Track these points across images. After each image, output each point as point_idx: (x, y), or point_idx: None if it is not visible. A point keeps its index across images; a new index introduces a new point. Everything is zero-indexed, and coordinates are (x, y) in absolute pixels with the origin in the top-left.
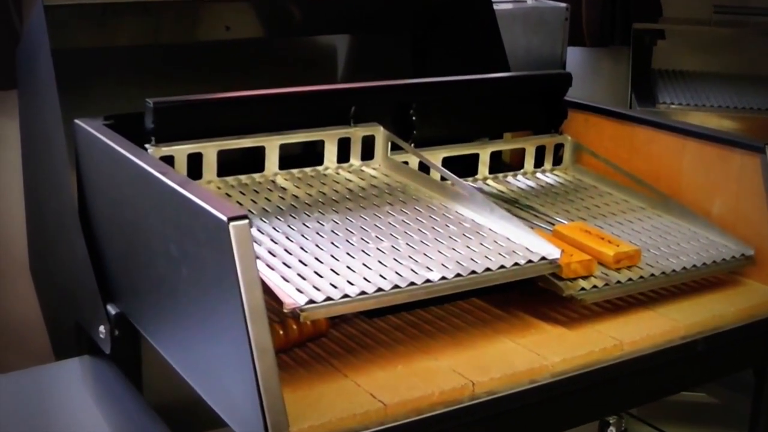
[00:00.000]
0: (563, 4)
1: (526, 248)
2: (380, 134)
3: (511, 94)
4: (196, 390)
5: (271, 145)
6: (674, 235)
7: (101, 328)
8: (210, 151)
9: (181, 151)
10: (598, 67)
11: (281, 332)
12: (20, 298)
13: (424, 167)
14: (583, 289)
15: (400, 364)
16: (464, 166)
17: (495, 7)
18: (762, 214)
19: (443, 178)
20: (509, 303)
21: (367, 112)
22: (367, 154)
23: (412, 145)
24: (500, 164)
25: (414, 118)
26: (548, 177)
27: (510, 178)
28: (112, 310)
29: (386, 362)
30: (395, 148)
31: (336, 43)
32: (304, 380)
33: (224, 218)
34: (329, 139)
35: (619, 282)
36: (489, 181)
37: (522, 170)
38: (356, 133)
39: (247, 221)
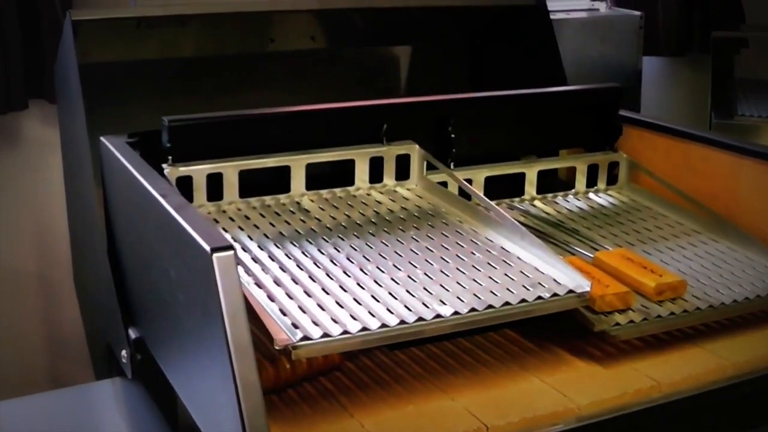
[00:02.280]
0: (637, 12)
1: (554, 280)
2: (415, 153)
3: (558, 109)
4: (196, 421)
5: (297, 165)
6: (729, 262)
7: (123, 352)
8: (231, 171)
9: (199, 171)
10: (677, 77)
11: (288, 366)
12: (72, 308)
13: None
14: (617, 324)
15: (412, 403)
16: (515, 186)
17: (567, 16)
18: None
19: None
20: (544, 335)
21: (404, 129)
22: (404, 173)
23: (452, 164)
24: (556, 183)
25: (453, 135)
26: (600, 197)
27: (560, 199)
28: (132, 333)
29: (398, 400)
30: (435, 167)
31: (391, 55)
32: (306, 419)
33: (208, 248)
34: (360, 159)
35: (659, 316)
36: (536, 202)
37: (573, 190)
38: (389, 152)
39: (231, 252)
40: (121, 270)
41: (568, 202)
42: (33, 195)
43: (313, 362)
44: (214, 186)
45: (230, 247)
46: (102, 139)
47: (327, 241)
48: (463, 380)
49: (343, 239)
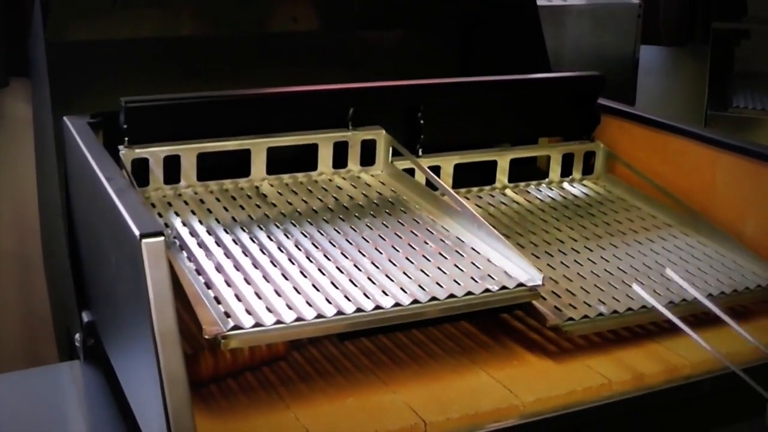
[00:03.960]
0: (636, 1)
1: (505, 272)
2: (382, 138)
3: (536, 97)
4: (132, 409)
5: (258, 149)
6: (697, 257)
7: (77, 336)
8: (188, 153)
9: (156, 153)
10: (677, 67)
11: (228, 355)
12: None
13: (435, 174)
14: (571, 319)
15: (352, 396)
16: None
17: (564, 3)
18: None
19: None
20: (500, 328)
21: (374, 114)
22: (370, 159)
23: (420, 150)
24: (535, 172)
25: (422, 121)
26: (575, 187)
27: (532, 188)
28: (85, 317)
29: (338, 393)
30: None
31: (379, 40)
32: (241, 410)
33: (137, 234)
34: (324, 143)
35: (616, 312)
36: (507, 191)
37: (547, 179)
38: (355, 137)
39: (161, 239)
40: (78, 253)
41: (540, 191)
42: (12, 174)
43: (256, 352)
44: (174, 169)
45: (160, 233)
46: (64, 119)
47: (278, 228)
48: (409, 374)
49: (295, 226)
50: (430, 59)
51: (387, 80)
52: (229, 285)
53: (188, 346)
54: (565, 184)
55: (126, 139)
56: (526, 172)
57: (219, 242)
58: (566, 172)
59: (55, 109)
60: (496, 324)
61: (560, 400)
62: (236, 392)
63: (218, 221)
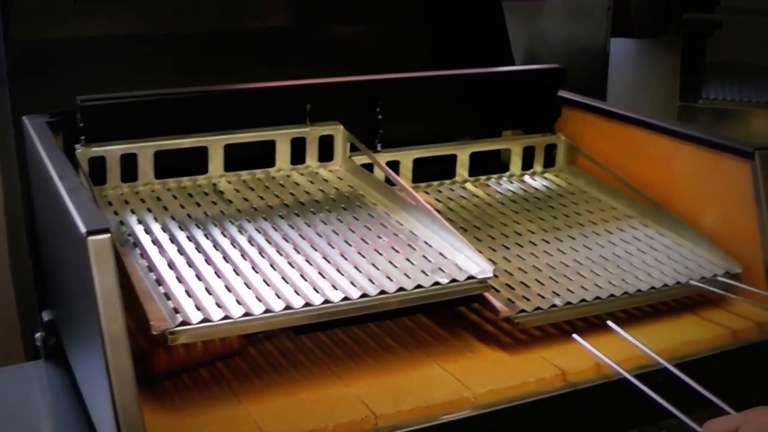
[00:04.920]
0: None
1: (456, 265)
2: (340, 134)
3: (496, 90)
4: (87, 407)
5: (215, 146)
6: (655, 248)
7: (37, 335)
8: (145, 151)
9: (112, 152)
10: (649, 59)
11: (181, 351)
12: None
13: (394, 170)
14: (523, 311)
15: (305, 390)
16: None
17: None
18: (753, 227)
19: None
20: (457, 321)
21: (333, 110)
22: (329, 155)
23: (379, 145)
24: (499, 166)
25: (380, 116)
26: (536, 180)
27: (492, 182)
28: (46, 316)
29: (292, 387)
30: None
31: (349, 36)
32: (194, 405)
33: (83, 231)
34: (281, 139)
35: (569, 303)
36: (467, 185)
37: (508, 173)
38: (312, 133)
39: (107, 236)
40: (40, 253)
41: (500, 185)
42: None
43: (210, 347)
44: (132, 167)
45: (106, 231)
46: (24, 118)
47: (233, 224)
48: (363, 367)
49: (249, 222)
50: (398, 55)
51: (354, 76)
52: (180, 281)
53: (145, 343)
54: (527, 177)
55: (82, 137)
56: (490, 165)
57: (173, 239)
58: (528, 165)
59: (16, 109)
60: (453, 317)
61: (513, 391)
62: (190, 387)
63: (174, 218)
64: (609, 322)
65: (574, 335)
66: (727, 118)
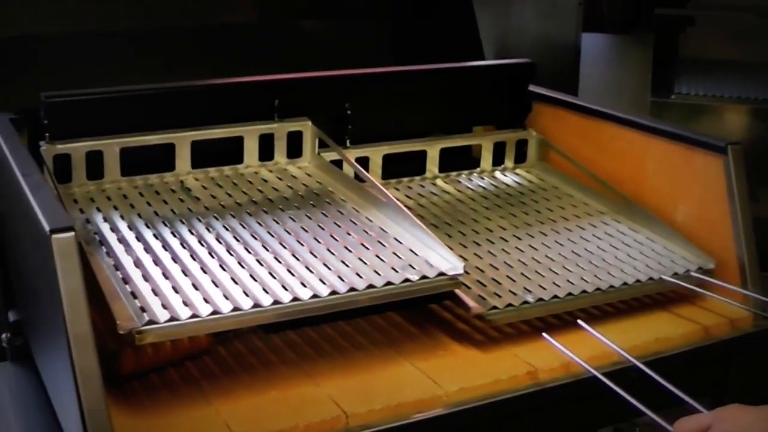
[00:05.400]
0: None
1: (427, 261)
2: (308, 130)
3: (466, 85)
4: (55, 408)
5: (182, 142)
6: (628, 244)
7: (3, 335)
8: (112, 148)
9: (78, 149)
10: (620, 55)
11: (150, 350)
12: None
13: (364, 166)
14: (495, 308)
15: (275, 389)
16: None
17: None
18: (726, 222)
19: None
20: (428, 318)
21: (301, 106)
22: (297, 151)
23: (348, 141)
24: (471, 162)
25: (349, 112)
26: (507, 176)
27: (463, 178)
28: (12, 316)
29: (262, 386)
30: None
31: (315, 30)
32: (163, 406)
33: (47, 229)
34: (249, 136)
35: (541, 300)
36: (438, 181)
37: (479, 169)
38: (281, 129)
39: (71, 234)
40: (5, 252)
41: (471, 181)
42: None
43: (179, 346)
44: (98, 164)
45: (70, 229)
46: None
47: (200, 222)
48: (334, 366)
49: (217, 219)
50: (367, 50)
51: (322, 71)
52: (146, 280)
53: (112, 342)
54: (497, 173)
55: (47, 135)
56: (460, 161)
57: (139, 237)
58: (499, 160)
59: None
60: (425, 314)
61: (485, 389)
62: (158, 387)
63: (140, 216)
64: (579, 321)
65: (544, 334)
66: (699, 114)
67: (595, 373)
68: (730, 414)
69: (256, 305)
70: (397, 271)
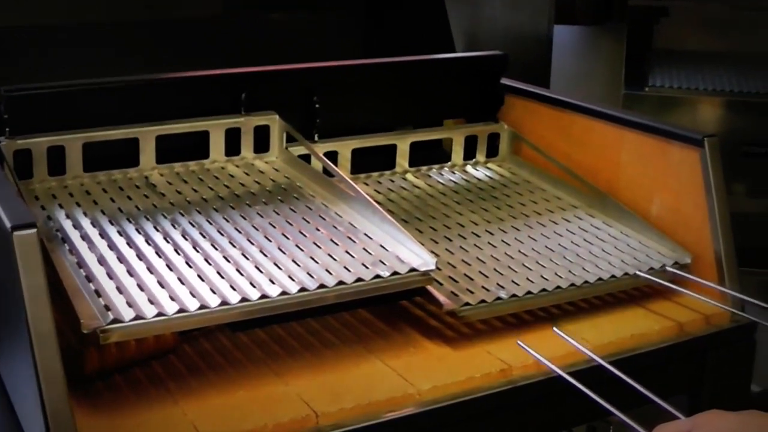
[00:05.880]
0: None
1: (398, 257)
2: (275, 124)
3: (437, 78)
4: (17, 412)
5: (146, 137)
6: (602, 239)
7: None
8: (74, 143)
9: (38, 144)
10: (593, 46)
11: (114, 350)
12: None
13: (332, 161)
14: (467, 304)
15: (243, 389)
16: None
17: None
18: (702, 216)
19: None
20: (400, 315)
21: (268, 99)
22: (265, 146)
23: (316, 135)
24: (442, 156)
25: (317, 105)
26: (478, 170)
27: (434, 172)
28: None
29: (230, 386)
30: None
31: (284, 22)
32: (128, 406)
33: (8, 226)
34: (215, 130)
35: (515, 296)
36: (408, 175)
37: (450, 163)
38: (247, 123)
39: (33, 231)
40: None
41: (442, 175)
42: None
43: (144, 345)
44: (60, 160)
45: (32, 225)
46: None
47: (166, 218)
48: (303, 364)
49: (183, 216)
50: (335, 43)
51: (290, 64)
52: (111, 277)
53: (76, 342)
54: (469, 167)
55: (7, 129)
56: (431, 155)
57: (103, 234)
58: (470, 154)
59: None
60: (396, 311)
61: (458, 387)
62: (123, 388)
63: (104, 213)
64: (555, 329)
65: (519, 342)
66: (673, 106)
67: (568, 377)
68: (709, 419)
69: (223, 303)
70: (367, 267)
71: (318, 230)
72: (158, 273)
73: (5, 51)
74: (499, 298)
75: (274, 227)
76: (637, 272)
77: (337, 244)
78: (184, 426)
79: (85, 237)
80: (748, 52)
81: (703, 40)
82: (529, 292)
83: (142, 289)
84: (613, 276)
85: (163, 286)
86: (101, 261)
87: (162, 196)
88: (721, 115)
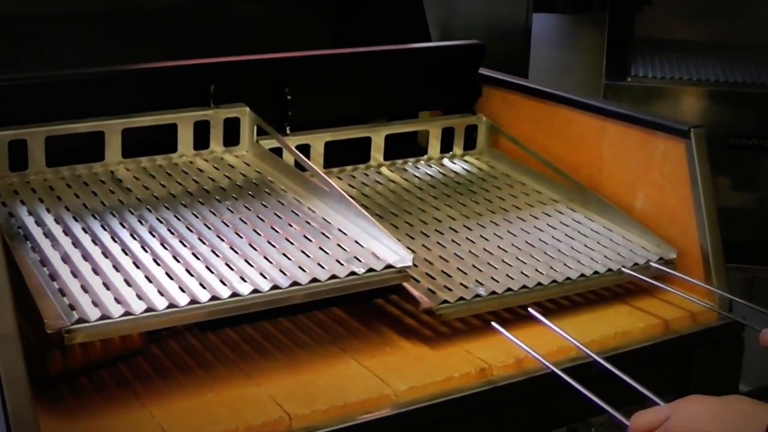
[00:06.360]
0: None
1: (373, 253)
2: (246, 116)
3: (412, 69)
4: None
5: (112, 131)
6: (584, 234)
7: None
8: (36, 137)
9: (0, 138)
10: (575, 36)
11: (78, 351)
12: None
13: (305, 154)
14: (445, 302)
15: (212, 391)
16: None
17: None
18: (687, 210)
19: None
20: (374, 314)
21: (239, 91)
22: (235, 139)
23: (288, 128)
24: (417, 149)
25: (289, 97)
26: (455, 164)
27: (409, 166)
28: None
29: (199, 388)
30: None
31: (253, 12)
32: (93, 409)
33: None
34: (183, 123)
35: (494, 293)
36: (383, 169)
37: (426, 156)
38: (217, 116)
39: None
40: None
41: (418, 169)
42: None
43: (109, 346)
44: (22, 154)
45: None
46: None
47: (132, 214)
48: (275, 365)
49: (150, 212)
50: (307, 32)
51: (261, 54)
52: (75, 276)
53: (39, 343)
54: (446, 161)
55: None
56: (406, 148)
57: (67, 231)
58: (447, 147)
59: None
60: (371, 310)
61: (436, 387)
62: (88, 390)
63: (68, 209)
64: (530, 309)
65: (495, 324)
66: (655, 97)
67: (553, 368)
68: (688, 404)
69: (192, 301)
70: (342, 264)
71: (290, 226)
72: (125, 271)
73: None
74: (478, 296)
75: (245, 223)
76: (621, 268)
77: (310, 241)
78: (152, 430)
79: (48, 234)
80: (733, 40)
81: (687, 28)
82: (509, 289)
83: (108, 288)
84: (596, 272)
85: (129, 285)
86: (65, 259)
87: (128, 191)
88: (706, 106)
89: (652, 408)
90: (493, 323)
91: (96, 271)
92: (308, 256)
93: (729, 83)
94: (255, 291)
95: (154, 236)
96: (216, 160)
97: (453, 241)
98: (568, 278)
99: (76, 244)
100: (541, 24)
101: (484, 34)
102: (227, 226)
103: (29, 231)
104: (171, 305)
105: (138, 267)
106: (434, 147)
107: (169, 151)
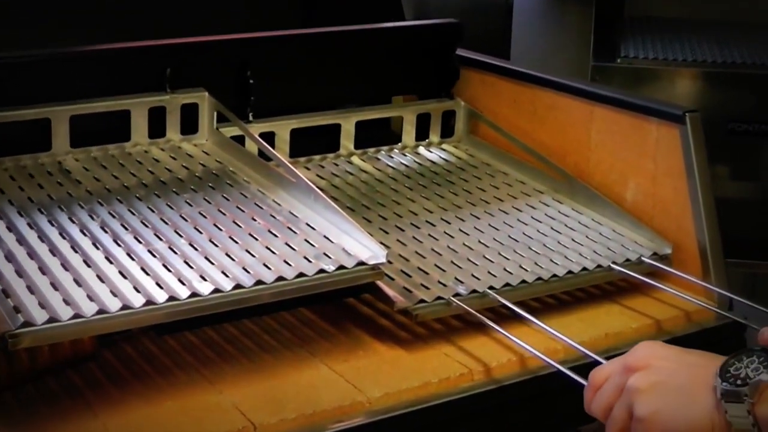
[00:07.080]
0: None
1: (344, 249)
2: (205, 102)
3: (385, 50)
4: None
5: (59, 118)
6: (571, 227)
7: None
8: None
9: None
10: (560, 14)
11: (25, 357)
12: None
13: (269, 143)
14: (422, 301)
15: (171, 399)
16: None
17: None
18: (683, 201)
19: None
20: (345, 315)
21: (197, 75)
22: (193, 126)
23: (251, 114)
24: (390, 136)
25: (251, 81)
26: (432, 152)
27: (382, 154)
28: None
29: (156, 396)
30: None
31: None
32: (41, 420)
33: None
34: (137, 109)
35: (475, 291)
36: (354, 158)
37: (400, 144)
38: (173, 102)
39: None
40: None
41: (392, 158)
42: None
43: (58, 351)
44: None
45: None
46: None
47: (82, 208)
48: (239, 370)
49: (102, 205)
50: (271, 10)
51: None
52: (20, 276)
53: None
54: (421, 149)
55: None
56: (379, 136)
57: (11, 227)
58: (423, 134)
59: None
60: (341, 310)
61: (412, 393)
62: (35, 399)
63: (12, 203)
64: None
65: (489, 321)
66: (647, 79)
67: (552, 363)
68: (644, 346)
69: (148, 302)
70: (310, 261)
71: (254, 220)
72: (74, 270)
73: None
74: (457, 294)
75: (205, 217)
76: (612, 264)
77: (275, 236)
78: None
79: None
80: (730, 18)
81: (681, 5)
82: (491, 287)
83: (56, 289)
84: (584, 269)
85: (80, 285)
86: (9, 257)
87: (78, 183)
88: (702, 89)
89: (608, 361)
90: (488, 321)
91: (43, 270)
92: (274, 252)
93: (726, 64)
94: (216, 291)
95: (106, 232)
96: (173, 149)
97: (430, 235)
98: (554, 275)
99: (21, 241)
100: (523, 1)
101: (463, 12)
102: (186, 220)
103: None
104: (125, 306)
105: (89, 265)
106: (409, 134)
107: (122, 140)
